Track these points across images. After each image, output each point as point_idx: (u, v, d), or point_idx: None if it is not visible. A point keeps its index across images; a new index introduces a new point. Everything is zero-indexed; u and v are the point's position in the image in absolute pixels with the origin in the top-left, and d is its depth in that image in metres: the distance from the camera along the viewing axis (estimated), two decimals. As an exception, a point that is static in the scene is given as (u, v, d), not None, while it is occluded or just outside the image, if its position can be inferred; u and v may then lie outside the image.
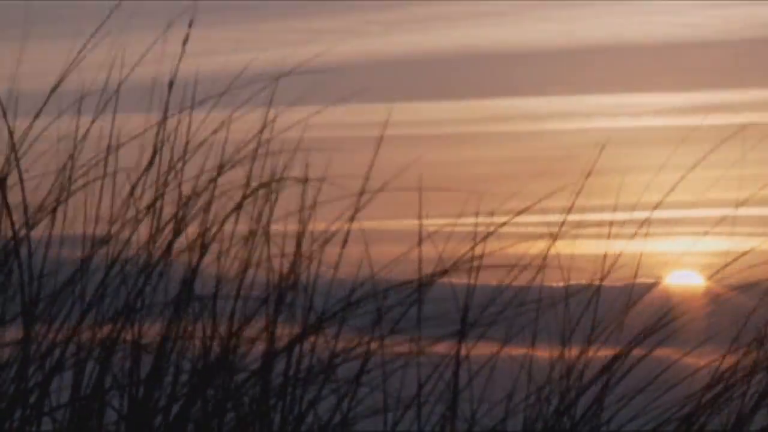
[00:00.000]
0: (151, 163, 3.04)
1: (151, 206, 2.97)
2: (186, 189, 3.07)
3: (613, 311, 2.85)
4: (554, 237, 2.90)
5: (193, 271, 2.92)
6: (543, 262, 2.87)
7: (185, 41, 3.07)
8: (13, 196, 3.33)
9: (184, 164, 3.03)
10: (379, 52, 5.81)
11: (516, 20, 5.90)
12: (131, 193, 2.99)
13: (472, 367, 2.84)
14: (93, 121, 3.04)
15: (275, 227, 3.01)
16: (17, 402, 2.68)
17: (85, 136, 3.09)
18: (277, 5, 5.60)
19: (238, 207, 2.98)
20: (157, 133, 3.05)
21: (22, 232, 3.01)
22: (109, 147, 3.03)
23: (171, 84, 3.07)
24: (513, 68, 5.67)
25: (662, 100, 5.86)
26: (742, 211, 2.92)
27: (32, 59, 3.14)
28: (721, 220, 2.91)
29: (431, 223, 2.93)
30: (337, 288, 2.96)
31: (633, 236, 2.90)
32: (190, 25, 3.05)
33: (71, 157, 3.06)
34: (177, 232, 2.97)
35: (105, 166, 3.04)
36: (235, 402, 2.75)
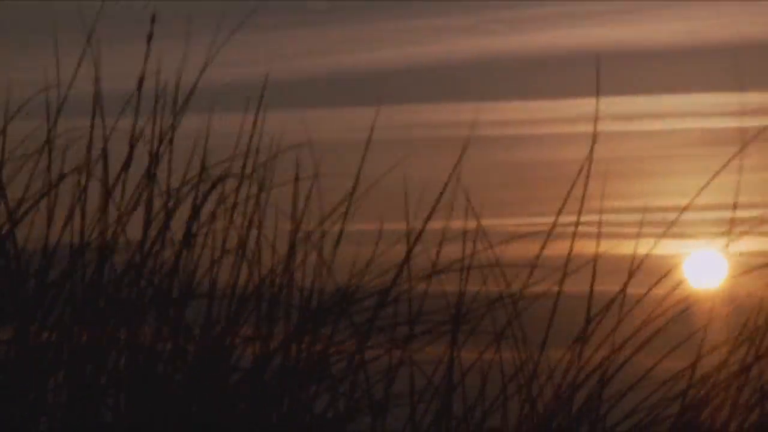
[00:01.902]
0: (127, 163, 3.04)
1: (160, 209, 2.96)
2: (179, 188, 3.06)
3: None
4: (546, 238, 2.93)
5: (184, 269, 2.92)
6: (534, 264, 2.89)
7: (149, 39, 3.10)
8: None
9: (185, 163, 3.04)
10: (501, 50, 5.84)
11: (639, 19, 5.93)
12: (117, 188, 2.98)
13: (464, 366, 2.85)
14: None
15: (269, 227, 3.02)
16: (14, 401, 2.65)
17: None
18: (400, 4, 5.62)
19: (233, 205, 2.98)
20: (131, 134, 3.05)
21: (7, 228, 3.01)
22: (106, 146, 3.04)
23: (140, 84, 3.09)
24: (631, 67, 5.67)
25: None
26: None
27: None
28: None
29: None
30: (330, 288, 2.96)
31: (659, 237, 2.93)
32: (152, 21, 3.08)
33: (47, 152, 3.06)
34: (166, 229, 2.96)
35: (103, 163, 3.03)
36: (231, 401, 2.75)
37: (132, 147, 3.11)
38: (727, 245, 2.92)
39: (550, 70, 5.66)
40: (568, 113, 4.67)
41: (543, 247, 2.91)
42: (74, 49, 3.17)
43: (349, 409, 2.81)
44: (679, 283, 2.91)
